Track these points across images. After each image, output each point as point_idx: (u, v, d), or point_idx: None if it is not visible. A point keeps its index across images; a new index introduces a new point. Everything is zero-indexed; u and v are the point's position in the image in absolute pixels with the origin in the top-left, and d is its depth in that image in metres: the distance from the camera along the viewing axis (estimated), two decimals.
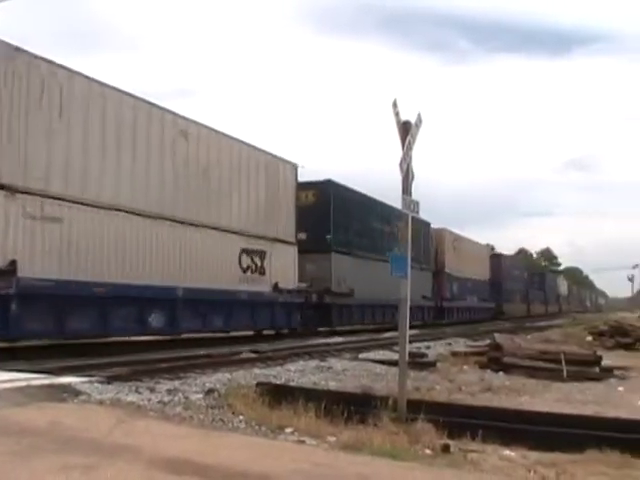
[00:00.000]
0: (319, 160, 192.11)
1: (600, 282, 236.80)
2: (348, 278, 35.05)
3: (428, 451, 8.87)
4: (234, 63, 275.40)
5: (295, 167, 30.56)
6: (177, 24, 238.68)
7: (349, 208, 36.34)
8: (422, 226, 44.61)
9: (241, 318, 26.44)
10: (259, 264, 27.53)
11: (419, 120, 10.92)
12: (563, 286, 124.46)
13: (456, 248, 55.59)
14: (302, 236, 31.09)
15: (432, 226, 50.28)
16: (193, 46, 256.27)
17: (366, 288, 36.02)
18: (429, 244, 48.89)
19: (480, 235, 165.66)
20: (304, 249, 30.95)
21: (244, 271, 26.54)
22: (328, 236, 33.68)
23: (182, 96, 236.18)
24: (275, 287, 28.46)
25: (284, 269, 29.36)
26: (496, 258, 71.97)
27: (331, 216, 34.06)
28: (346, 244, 35.71)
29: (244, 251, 26.57)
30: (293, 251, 30.15)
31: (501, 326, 47.20)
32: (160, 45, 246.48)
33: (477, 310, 61.96)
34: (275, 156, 29.25)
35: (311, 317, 31.80)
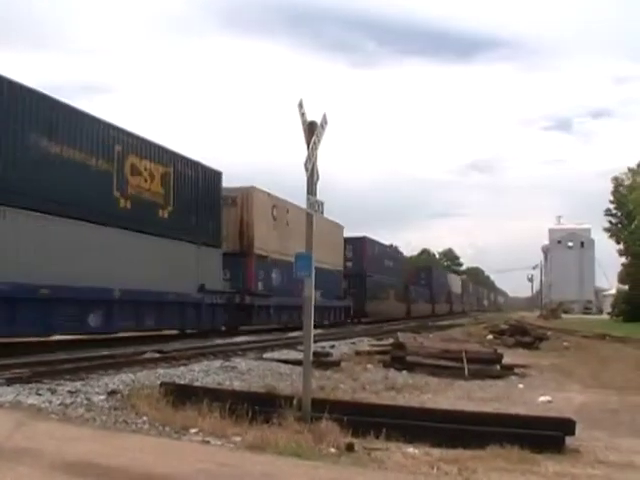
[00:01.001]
0: (231, 160, 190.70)
1: (502, 282, 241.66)
2: None
3: (333, 450, 8.91)
4: (143, 59, 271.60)
5: None
6: (83, 20, 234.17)
7: None
8: (202, 175, 30.97)
9: None
10: None
11: (324, 121, 10.96)
12: (456, 283, 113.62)
13: (279, 219, 38.52)
14: None
15: (235, 184, 34.73)
16: (103, 43, 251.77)
17: (30, 269, 19.92)
18: (219, 206, 32.56)
19: (386, 236, 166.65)
20: None
21: None
22: None
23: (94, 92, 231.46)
24: None
25: None
26: (357, 243, 55.21)
27: None
28: None
29: None
30: None
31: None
32: (69, 41, 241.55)
33: (321, 310, 39.66)
34: None
35: None
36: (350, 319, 52.13)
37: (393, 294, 65.58)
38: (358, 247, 55.22)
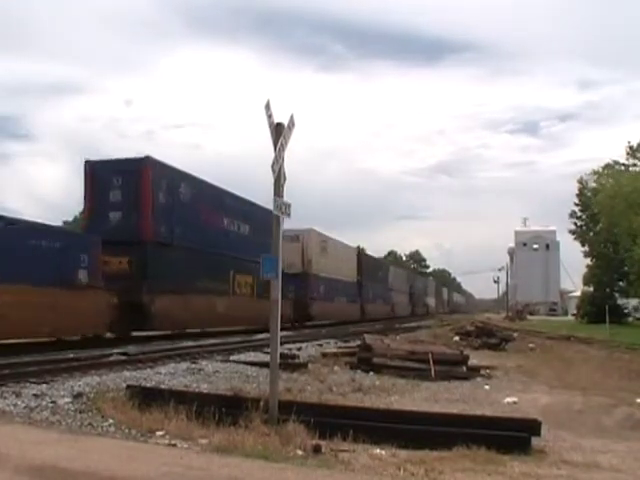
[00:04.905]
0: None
1: (468, 284, 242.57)
2: None
3: (300, 452, 8.92)
4: (110, 59, 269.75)
5: None
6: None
7: None
8: None
9: None
10: None
11: (292, 122, 10.96)
12: (345, 265, 58.17)
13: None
14: None
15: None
16: (66, 43, 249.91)
17: None
18: None
19: (353, 238, 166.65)
20: None
21: None
22: None
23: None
24: None
25: None
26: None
27: None
28: None
29: None
30: None
31: None
32: (33, 42, 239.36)
33: None
34: None
35: None
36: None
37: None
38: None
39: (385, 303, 76.10)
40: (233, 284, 35.17)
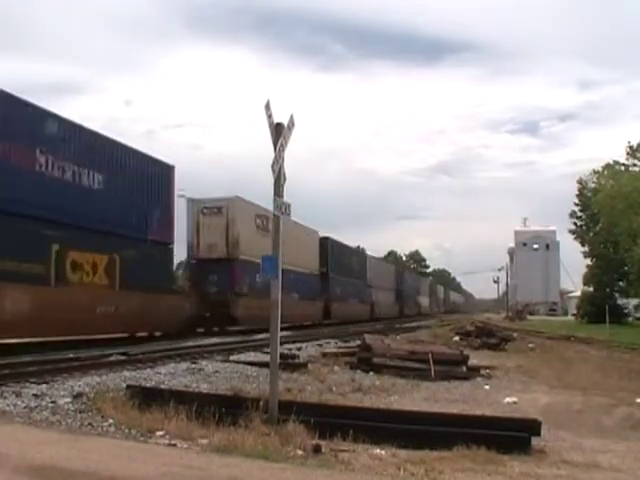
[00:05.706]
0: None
1: (469, 284, 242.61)
2: None
3: (300, 452, 8.90)
4: (110, 59, 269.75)
5: None
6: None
7: None
8: None
9: None
10: None
11: (291, 122, 10.96)
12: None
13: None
14: None
15: None
16: (65, 42, 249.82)
17: None
18: None
19: (353, 238, 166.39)
20: None
21: None
22: None
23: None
24: None
25: None
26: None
27: None
28: None
29: None
30: None
31: None
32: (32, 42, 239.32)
33: None
34: None
35: None
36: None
37: None
38: None
39: (362, 302, 63.91)
40: (59, 266, 22.81)
